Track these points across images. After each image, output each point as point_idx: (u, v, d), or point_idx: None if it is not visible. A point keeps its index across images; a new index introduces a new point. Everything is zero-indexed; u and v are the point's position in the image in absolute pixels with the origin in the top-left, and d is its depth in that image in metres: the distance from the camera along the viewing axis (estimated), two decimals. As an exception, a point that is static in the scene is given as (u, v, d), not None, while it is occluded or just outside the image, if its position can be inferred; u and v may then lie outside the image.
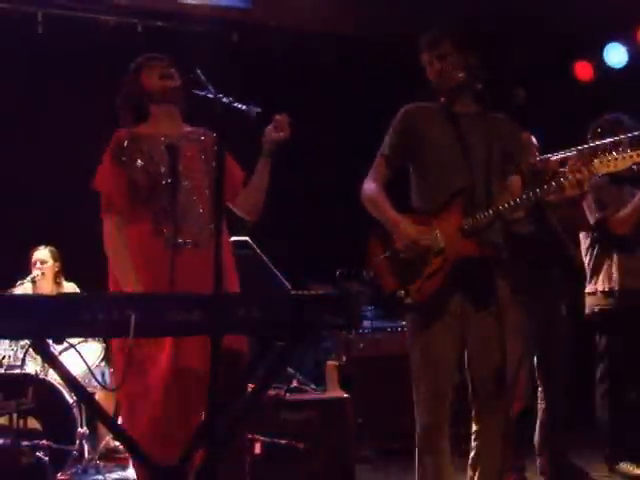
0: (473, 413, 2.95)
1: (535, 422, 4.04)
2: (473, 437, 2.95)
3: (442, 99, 3.04)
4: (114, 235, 2.82)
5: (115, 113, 2.98)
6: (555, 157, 3.78)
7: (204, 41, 5.81)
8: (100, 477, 4.46)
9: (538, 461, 4.04)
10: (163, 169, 2.83)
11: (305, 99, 5.96)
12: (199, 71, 2.47)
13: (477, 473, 2.91)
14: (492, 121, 3.00)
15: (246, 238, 4.22)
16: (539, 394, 4.00)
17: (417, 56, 3.07)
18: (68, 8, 5.80)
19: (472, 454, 2.95)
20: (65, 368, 2.15)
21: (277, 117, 2.86)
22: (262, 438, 3.59)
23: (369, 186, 3.05)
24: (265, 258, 4.39)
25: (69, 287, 5.10)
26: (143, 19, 5.89)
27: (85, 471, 4.55)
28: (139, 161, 2.83)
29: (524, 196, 2.88)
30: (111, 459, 4.63)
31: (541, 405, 4.00)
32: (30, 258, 5.08)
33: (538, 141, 4.09)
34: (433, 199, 2.95)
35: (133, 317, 1.92)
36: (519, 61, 6.07)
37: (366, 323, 5.24)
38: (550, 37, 5.98)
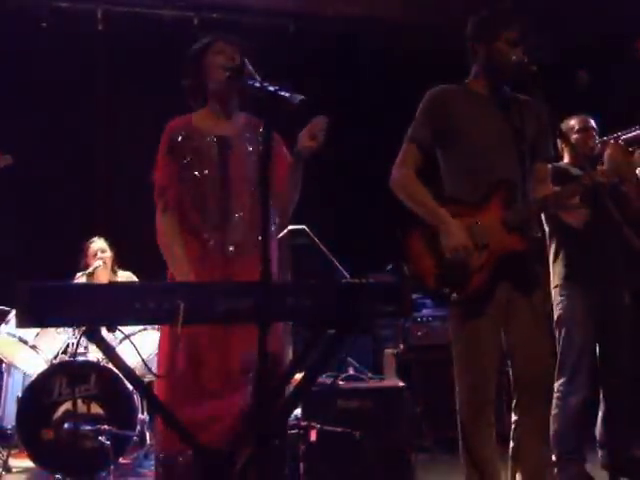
0: (514, 403, 2.91)
1: (597, 414, 3.96)
2: (513, 427, 2.91)
3: (474, 79, 2.96)
4: (166, 227, 2.81)
5: (172, 105, 2.96)
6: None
7: (260, 32, 5.83)
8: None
9: (599, 453, 3.96)
10: (207, 171, 2.80)
11: (358, 86, 5.95)
12: (246, 60, 2.47)
13: (519, 464, 2.87)
14: (525, 105, 2.94)
15: (303, 226, 4.23)
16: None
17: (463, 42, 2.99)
18: (126, 4, 5.90)
19: (512, 445, 2.91)
20: (119, 357, 2.19)
21: (313, 121, 2.68)
22: (318, 426, 3.59)
23: (400, 173, 2.95)
24: (322, 246, 4.39)
25: (125, 276, 5.20)
26: (199, 12, 5.93)
27: (146, 456, 4.66)
28: (188, 158, 2.82)
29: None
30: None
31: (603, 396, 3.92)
32: (86, 250, 5.17)
33: (599, 124, 3.99)
34: (471, 188, 2.87)
35: (182, 305, 1.94)
36: (584, 43, 5.91)
37: (425, 311, 5.20)
38: (614, 19, 5.80)
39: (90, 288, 2.24)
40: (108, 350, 2.19)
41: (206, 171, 2.80)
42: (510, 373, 2.92)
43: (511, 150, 2.87)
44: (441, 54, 5.75)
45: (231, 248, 2.75)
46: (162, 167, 2.85)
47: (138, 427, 4.35)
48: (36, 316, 1.94)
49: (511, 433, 2.92)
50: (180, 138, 2.84)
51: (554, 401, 3.72)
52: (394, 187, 2.96)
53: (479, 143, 2.87)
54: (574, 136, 3.88)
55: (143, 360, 2.45)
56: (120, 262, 5.23)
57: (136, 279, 5.16)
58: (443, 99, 2.95)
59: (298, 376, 2.66)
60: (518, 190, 2.85)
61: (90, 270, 4.94)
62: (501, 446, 2.97)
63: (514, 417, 2.91)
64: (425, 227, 2.88)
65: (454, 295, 2.80)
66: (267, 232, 2.07)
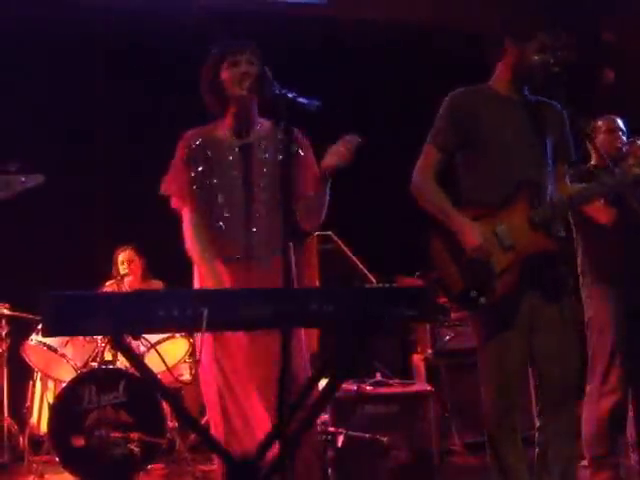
0: (538, 408, 2.88)
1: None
2: (537, 433, 2.88)
3: (496, 81, 2.93)
4: (194, 232, 2.80)
5: (196, 113, 2.95)
6: None
7: (283, 38, 5.84)
8: (189, 469, 4.57)
9: (632, 458, 3.90)
10: (225, 179, 2.79)
11: (385, 89, 5.94)
12: (266, 67, 2.47)
13: (544, 470, 2.83)
14: (545, 108, 2.91)
15: (329, 232, 4.23)
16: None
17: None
18: (148, 11, 5.94)
19: (537, 450, 2.87)
20: (145, 365, 2.21)
21: (345, 139, 2.60)
22: (346, 431, 3.59)
23: (420, 177, 2.93)
24: (348, 252, 4.39)
25: (156, 284, 5.23)
26: (222, 19, 5.96)
27: (175, 463, 4.68)
28: (204, 167, 2.81)
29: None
30: (200, 452, 4.72)
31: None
32: (115, 259, 5.23)
33: (627, 124, 3.94)
34: (494, 190, 2.83)
35: (206, 312, 1.95)
36: (608, 42, 5.85)
37: (453, 315, 5.17)
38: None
39: (113, 296, 2.25)
40: (134, 358, 2.20)
41: (225, 179, 2.80)
42: (536, 377, 2.88)
43: (533, 152, 2.85)
44: (459, 56, 5.77)
45: (252, 255, 2.75)
46: (180, 176, 2.84)
47: (167, 434, 4.37)
48: (60, 325, 1.96)
49: (536, 439, 2.88)
50: (196, 147, 2.84)
51: (585, 405, 3.67)
52: (414, 191, 2.95)
53: (501, 145, 2.84)
54: (600, 137, 3.84)
55: (168, 369, 2.46)
56: (154, 271, 5.27)
57: (165, 288, 5.20)
58: (465, 102, 2.92)
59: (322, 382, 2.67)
60: (542, 191, 2.82)
61: (117, 279, 4.98)
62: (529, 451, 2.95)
63: (538, 423, 2.87)
64: (447, 232, 2.84)
65: (482, 299, 2.75)
66: (288, 239, 2.06)
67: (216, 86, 2.83)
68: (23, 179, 2.63)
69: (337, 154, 2.62)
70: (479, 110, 2.88)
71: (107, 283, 5.05)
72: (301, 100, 2.15)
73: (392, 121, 5.91)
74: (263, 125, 2.92)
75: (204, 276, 2.77)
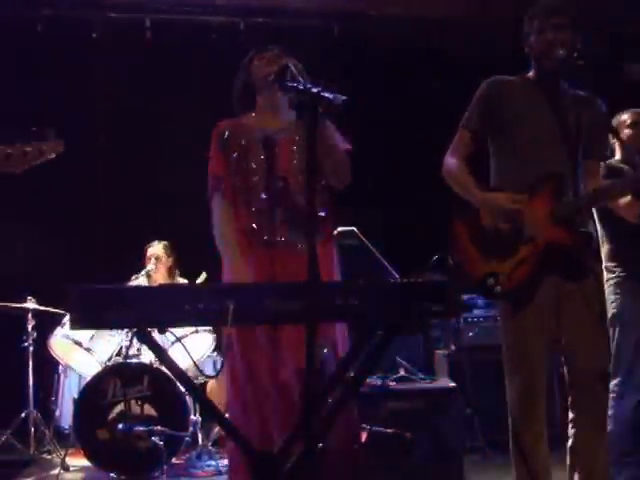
0: (569, 401, 2.85)
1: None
2: (570, 425, 2.85)
3: (532, 73, 2.92)
4: (222, 218, 2.88)
5: (223, 109, 3.03)
6: None
7: (305, 35, 5.84)
8: (212, 463, 4.60)
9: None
10: (254, 165, 2.87)
11: (408, 86, 5.92)
12: (291, 63, 2.49)
13: (576, 463, 2.81)
14: (579, 99, 2.88)
15: (352, 228, 4.23)
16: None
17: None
18: (172, 12, 5.97)
19: (569, 443, 2.85)
20: (170, 359, 2.22)
21: (328, 96, 2.27)
22: (369, 427, 3.58)
23: (451, 161, 2.95)
24: (371, 247, 4.38)
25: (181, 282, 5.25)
26: (245, 17, 5.97)
27: (198, 457, 4.71)
28: (235, 154, 2.89)
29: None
30: (224, 446, 4.74)
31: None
32: (145, 253, 5.27)
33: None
34: (519, 180, 2.83)
35: (231, 306, 1.96)
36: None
37: (476, 311, 5.15)
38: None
39: (139, 290, 2.27)
40: (159, 352, 2.22)
41: (253, 165, 2.87)
42: (565, 371, 2.87)
43: (562, 144, 2.82)
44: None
45: (278, 241, 2.78)
46: (215, 160, 2.94)
47: (191, 428, 4.40)
48: (87, 318, 1.98)
49: (568, 431, 2.86)
50: (227, 135, 2.94)
51: (609, 402, 3.64)
52: (445, 174, 2.97)
53: (530, 135, 2.84)
54: (625, 131, 3.79)
55: (194, 362, 2.47)
56: (186, 268, 5.30)
57: (190, 285, 5.23)
58: (497, 89, 2.93)
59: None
60: (568, 184, 2.80)
61: (142, 274, 5.01)
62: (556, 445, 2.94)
63: (571, 415, 2.86)
64: (471, 216, 2.87)
65: (498, 288, 2.76)
66: (313, 231, 2.06)
67: (247, 78, 2.97)
68: (44, 147, 2.34)
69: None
70: (509, 98, 2.89)
71: (132, 278, 5.08)
72: (326, 95, 2.15)
73: (414, 116, 5.88)
74: (291, 117, 3.00)
75: (225, 266, 2.83)
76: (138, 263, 5.25)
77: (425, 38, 6.13)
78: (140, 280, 5.03)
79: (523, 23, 2.94)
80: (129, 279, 5.08)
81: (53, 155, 2.38)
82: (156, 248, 5.26)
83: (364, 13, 6.07)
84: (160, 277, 5.20)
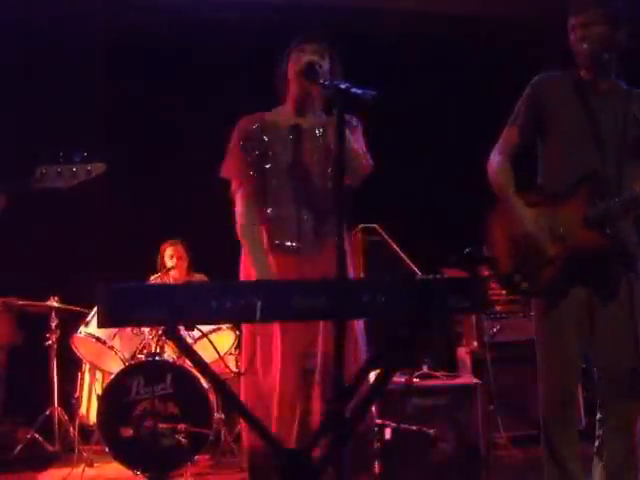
0: (599, 401, 2.83)
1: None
2: (597, 426, 2.83)
3: (579, 70, 2.87)
4: (247, 219, 2.85)
5: (241, 105, 3.00)
6: None
7: (327, 30, 5.83)
8: (235, 460, 4.62)
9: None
10: (279, 163, 2.82)
11: (430, 81, 5.90)
12: (322, 59, 2.49)
13: (601, 463, 2.79)
14: (633, 97, 2.81)
15: (375, 225, 4.23)
16: None
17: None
18: (189, 10, 5.98)
19: (596, 443, 2.83)
20: (197, 355, 2.22)
21: (357, 92, 2.29)
22: (392, 424, 3.59)
23: (495, 159, 2.94)
24: (393, 244, 4.38)
25: (200, 278, 5.27)
26: (261, 12, 5.96)
27: (222, 454, 4.73)
28: (260, 151, 2.85)
29: None
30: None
31: None
32: (162, 252, 5.30)
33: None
34: (558, 181, 2.81)
35: (259, 303, 1.96)
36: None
37: (499, 307, 5.13)
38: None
39: (168, 288, 2.27)
40: (186, 348, 2.22)
41: (279, 163, 2.84)
42: (595, 371, 2.84)
43: (608, 144, 2.76)
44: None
45: (303, 239, 2.77)
46: (236, 160, 2.89)
47: (214, 425, 4.40)
48: (116, 316, 1.99)
49: (596, 431, 2.85)
50: (252, 132, 2.89)
51: None
52: (488, 170, 2.97)
53: (574, 134, 2.80)
54: None
55: (221, 357, 2.48)
56: (197, 265, 5.32)
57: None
58: (542, 87, 2.90)
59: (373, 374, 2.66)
60: (609, 187, 2.73)
61: (162, 273, 5.03)
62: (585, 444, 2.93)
63: (599, 415, 2.83)
64: (506, 213, 2.87)
65: (524, 284, 2.76)
66: (341, 229, 2.06)
67: (283, 74, 2.91)
68: (89, 168, 2.70)
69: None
70: (555, 97, 2.86)
71: (152, 277, 5.10)
72: (355, 91, 2.15)
73: (438, 114, 5.87)
74: (321, 115, 2.96)
75: (250, 265, 2.81)
76: (154, 262, 5.29)
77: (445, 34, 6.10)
78: (160, 278, 5.04)
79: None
80: (147, 277, 5.11)
81: (95, 174, 2.71)
82: (176, 246, 5.28)
83: (379, 8, 6.05)
84: (180, 274, 5.23)
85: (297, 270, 2.74)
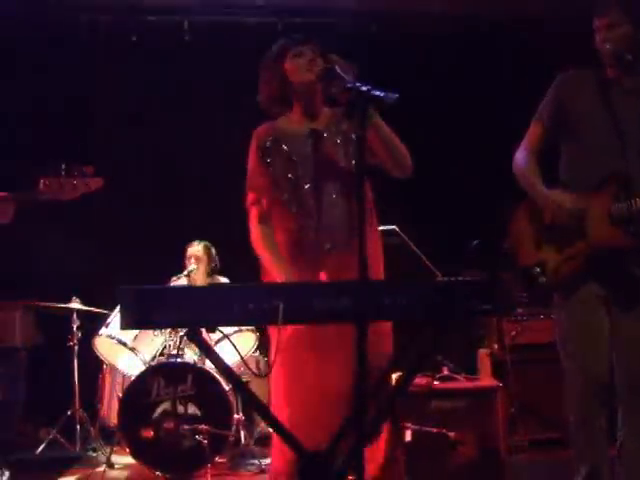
0: (619, 401, 2.81)
1: None
2: (619, 424, 2.82)
3: (604, 68, 2.87)
4: (263, 237, 2.83)
5: (259, 110, 2.96)
6: None
7: (343, 33, 5.84)
8: (255, 462, 4.63)
9: None
10: (301, 171, 2.80)
11: (448, 84, 5.89)
12: (336, 62, 2.48)
13: (624, 464, 2.78)
14: None
15: (394, 226, 4.21)
16: None
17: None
18: (211, 13, 6.01)
19: (617, 444, 2.82)
20: (219, 356, 2.22)
21: (379, 94, 2.29)
22: (412, 426, 3.58)
23: (520, 155, 2.96)
24: (413, 246, 4.36)
25: (222, 281, 5.27)
26: (282, 17, 5.98)
27: (242, 455, 4.74)
28: (277, 162, 2.83)
29: None
30: (267, 445, 4.76)
31: None
32: (185, 253, 5.30)
33: None
34: (582, 178, 2.80)
35: (281, 306, 1.97)
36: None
37: (519, 309, 5.10)
38: None
39: (191, 290, 2.29)
40: (208, 350, 2.24)
41: (300, 171, 2.81)
42: (616, 370, 2.82)
43: (632, 142, 2.77)
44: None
45: (327, 245, 2.75)
46: (255, 175, 2.87)
47: (234, 427, 4.41)
48: (139, 318, 2.00)
49: (617, 432, 2.83)
50: (269, 143, 2.86)
51: None
52: (513, 167, 2.98)
53: (598, 132, 2.80)
54: None
55: (242, 359, 2.49)
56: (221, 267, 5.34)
57: (232, 284, 5.26)
58: (567, 83, 2.91)
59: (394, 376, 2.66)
60: (634, 185, 2.73)
61: (184, 274, 5.04)
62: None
63: (620, 415, 2.82)
64: (533, 208, 2.87)
65: (542, 278, 2.76)
66: (363, 230, 2.06)
67: (279, 78, 2.84)
68: (88, 183, 2.82)
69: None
70: (579, 93, 2.86)
71: (173, 278, 5.12)
72: (377, 93, 2.14)
73: (458, 115, 5.85)
74: (328, 114, 2.92)
75: (274, 273, 2.78)
76: (178, 263, 5.30)
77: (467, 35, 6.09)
78: (181, 280, 5.07)
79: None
80: (169, 279, 5.13)
81: (94, 189, 2.84)
82: (196, 248, 5.29)
83: (404, 10, 6.05)
84: (200, 277, 5.23)
85: (332, 271, 2.71)
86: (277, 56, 2.86)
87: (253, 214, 2.87)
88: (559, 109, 2.88)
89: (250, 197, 2.88)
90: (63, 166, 2.80)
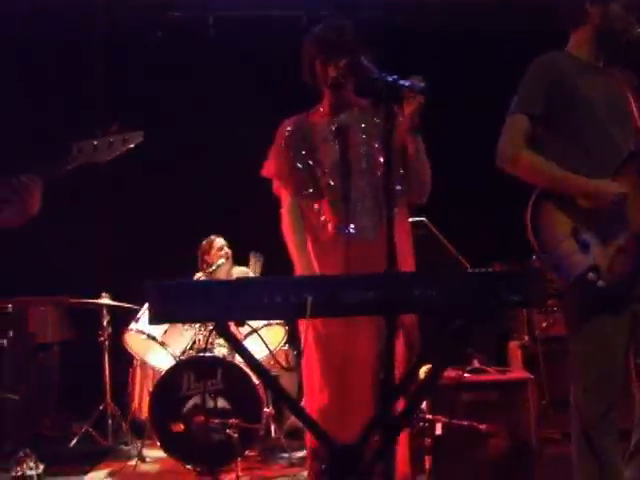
0: (638, 397, 2.74)
1: None
2: (636, 421, 2.74)
3: (589, 48, 2.74)
4: (289, 214, 2.88)
5: (284, 103, 3.01)
6: None
7: (367, 26, 5.79)
8: (285, 455, 4.65)
9: None
10: (325, 159, 2.82)
11: (471, 76, 5.83)
12: (362, 56, 2.47)
13: (634, 460, 2.70)
14: (615, 75, 2.74)
15: (422, 218, 4.19)
16: None
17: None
18: (235, 8, 6.02)
19: (633, 441, 2.73)
20: (248, 350, 2.22)
21: (405, 84, 2.36)
22: (443, 419, 3.56)
23: (514, 148, 2.69)
24: (442, 238, 4.33)
25: (241, 271, 5.29)
26: (306, 10, 5.96)
27: (272, 449, 4.75)
28: (303, 151, 2.86)
29: None
30: (296, 438, 4.77)
31: None
32: (208, 248, 5.30)
33: None
34: (596, 161, 2.62)
35: (310, 299, 1.96)
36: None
37: (549, 301, 5.04)
38: None
39: (219, 284, 2.28)
40: (237, 344, 2.23)
41: (323, 159, 2.83)
42: (635, 363, 2.75)
43: (625, 121, 2.67)
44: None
45: (352, 232, 2.76)
46: (279, 160, 2.91)
47: (264, 421, 4.43)
48: (168, 312, 2.00)
49: (634, 428, 2.75)
50: (295, 131, 2.90)
51: None
52: (508, 164, 2.71)
53: (595, 114, 2.65)
54: None
55: (272, 352, 2.49)
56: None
57: (252, 274, 5.26)
58: (551, 67, 2.72)
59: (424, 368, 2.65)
60: None
61: (214, 267, 5.04)
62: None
63: (638, 412, 2.74)
64: (560, 205, 2.62)
65: (601, 282, 2.53)
66: (391, 221, 2.04)
67: (312, 76, 2.90)
68: (126, 137, 2.62)
69: (408, 103, 2.58)
70: (566, 75, 2.69)
71: (197, 275, 5.13)
72: (403, 83, 2.12)
73: (486, 105, 5.79)
74: (361, 106, 2.94)
75: (296, 264, 2.84)
76: (188, 260, 5.32)
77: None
78: (207, 275, 5.07)
79: None
80: (192, 276, 5.14)
81: (133, 144, 2.62)
82: (220, 240, 5.29)
83: (428, 3, 6.01)
84: (226, 269, 5.23)
85: (356, 255, 2.71)
86: (311, 56, 2.89)
87: (284, 199, 2.92)
88: (549, 93, 2.67)
89: (277, 181, 2.93)
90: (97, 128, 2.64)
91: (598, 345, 2.64)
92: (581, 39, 2.78)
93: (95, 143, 2.56)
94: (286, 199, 2.91)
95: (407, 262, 2.79)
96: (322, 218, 2.80)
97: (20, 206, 2.46)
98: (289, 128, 2.92)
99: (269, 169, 2.95)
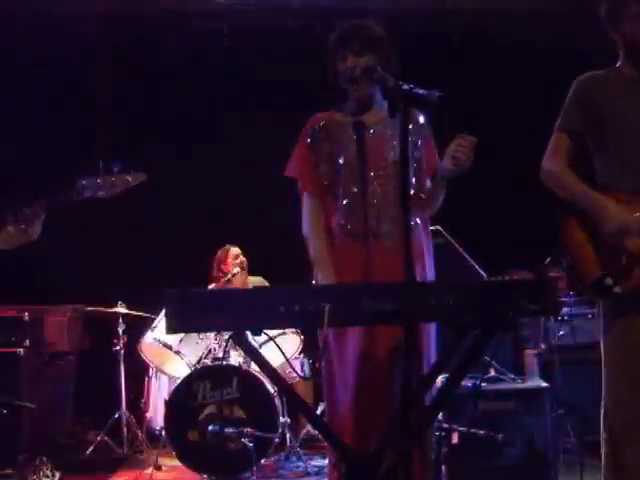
0: None
1: None
2: None
3: (623, 63, 2.76)
4: (309, 215, 2.86)
5: (299, 108, 3.00)
6: None
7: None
8: (301, 464, 4.64)
9: None
10: (346, 159, 2.82)
11: (486, 83, 5.83)
12: (376, 64, 2.47)
13: None
14: None
15: (438, 227, 4.19)
16: None
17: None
18: (249, 17, 6.04)
19: None
20: (264, 359, 2.23)
21: (459, 140, 2.55)
22: (460, 428, 3.55)
23: (550, 163, 2.79)
24: (458, 246, 4.33)
25: (257, 281, 5.30)
26: (321, 19, 5.98)
27: (287, 458, 4.75)
28: (327, 147, 2.86)
29: None
30: (312, 447, 4.77)
31: None
32: (224, 257, 5.33)
33: None
34: (628, 174, 2.67)
35: (327, 307, 1.96)
36: None
37: (565, 309, 5.02)
38: None
39: (236, 293, 2.30)
40: (253, 353, 2.24)
41: (345, 159, 2.83)
42: None
43: None
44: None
45: (369, 233, 2.74)
46: (303, 159, 2.90)
47: (279, 430, 4.42)
48: (185, 321, 2.01)
49: None
50: (319, 128, 2.89)
51: None
52: (545, 178, 2.82)
53: (628, 128, 2.69)
54: None
55: (288, 361, 2.49)
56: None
57: (267, 284, 5.27)
58: (593, 85, 2.79)
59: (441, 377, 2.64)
60: None
61: (229, 276, 5.05)
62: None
63: None
64: (582, 215, 2.69)
65: (617, 288, 2.56)
66: (408, 226, 2.03)
67: (334, 75, 2.88)
68: (128, 178, 2.75)
69: (455, 160, 2.59)
70: (607, 94, 2.74)
71: (211, 286, 5.13)
72: (419, 91, 2.12)
73: (503, 114, 5.79)
74: (384, 110, 2.92)
75: (314, 266, 2.81)
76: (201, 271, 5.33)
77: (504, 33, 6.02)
78: (222, 285, 5.07)
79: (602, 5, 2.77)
80: (207, 286, 5.14)
81: (134, 184, 2.77)
82: (236, 249, 5.31)
83: (439, 10, 6.01)
84: (241, 278, 5.23)
85: (374, 258, 2.71)
86: (331, 53, 2.89)
87: (304, 200, 2.91)
88: (587, 112, 2.75)
89: (299, 179, 2.91)
90: (101, 164, 2.76)
91: (625, 351, 2.65)
92: (619, 51, 2.81)
93: (99, 181, 2.71)
94: (307, 200, 2.89)
95: (425, 264, 2.79)
96: (342, 222, 2.80)
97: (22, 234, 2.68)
98: (314, 125, 2.91)
99: (292, 169, 2.94)
